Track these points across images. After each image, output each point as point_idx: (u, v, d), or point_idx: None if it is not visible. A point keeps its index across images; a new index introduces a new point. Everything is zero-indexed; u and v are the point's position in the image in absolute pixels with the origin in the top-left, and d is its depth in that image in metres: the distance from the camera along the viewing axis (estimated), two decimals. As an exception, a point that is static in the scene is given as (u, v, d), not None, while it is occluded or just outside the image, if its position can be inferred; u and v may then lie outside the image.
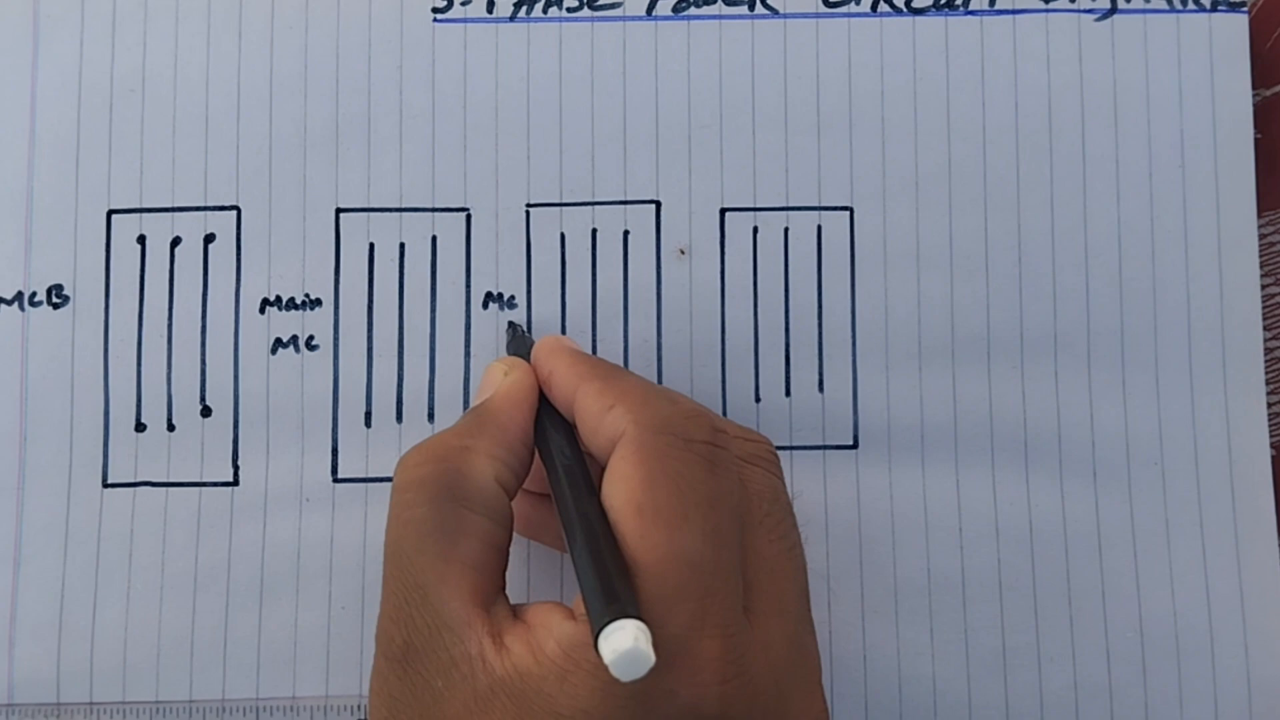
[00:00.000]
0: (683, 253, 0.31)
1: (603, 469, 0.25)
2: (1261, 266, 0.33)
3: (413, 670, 0.24)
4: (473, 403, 0.28)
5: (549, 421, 0.27)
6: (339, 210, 0.33)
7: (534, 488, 0.29)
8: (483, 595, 0.24)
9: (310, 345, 0.32)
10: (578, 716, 0.22)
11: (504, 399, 0.27)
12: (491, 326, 0.32)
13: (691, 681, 0.23)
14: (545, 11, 0.33)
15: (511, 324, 0.32)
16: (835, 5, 0.33)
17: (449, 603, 0.24)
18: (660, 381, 0.32)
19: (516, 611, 0.25)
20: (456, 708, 0.23)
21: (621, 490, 0.24)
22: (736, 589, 0.23)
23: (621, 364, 0.32)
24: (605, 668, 0.21)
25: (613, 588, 0.22)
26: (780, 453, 0.31)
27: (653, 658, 0.21)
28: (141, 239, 0.33)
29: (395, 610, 0.24)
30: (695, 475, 0.24)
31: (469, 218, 0.33)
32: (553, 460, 0.26)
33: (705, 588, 0.23)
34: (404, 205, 0.33)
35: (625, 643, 0.21)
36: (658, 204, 0.33)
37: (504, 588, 0.25)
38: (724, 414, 0.32)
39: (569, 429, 0.27)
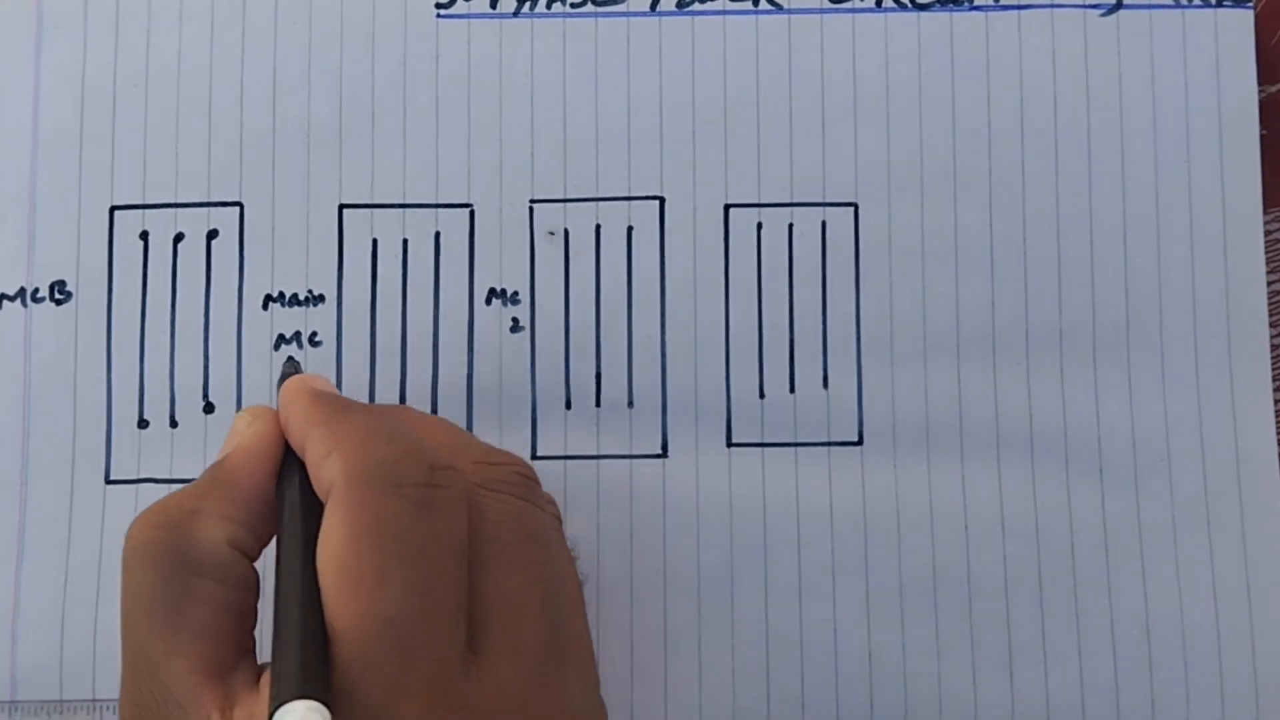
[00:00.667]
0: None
1: None
2: (1267, 262, 0.32)
3: None
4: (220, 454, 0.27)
5: (286, 472, 0.26)
6: (342, 206, 0.33)
7: None
8: (215, 665, 0.23)
9: (313, 341, 0.32)
10: None
11: (242, 454, 0.26)
12: (495, 323, 0.32)
13: None
14: (549, 7, 0.33)
15: (290, 359, 0.31)
16: (840, 1, 0.33)
17: (176, 676, 0.22)
18: (664, 379, 0.32)
19: (260, 677, 0.23)
20: None
21: (326, 550, 0.23)
22: (452, 638, 0.22)
23: (625, 361, 0.32)
24: None
25: (294, 662, 0.21)
26: (784, 449, 0.32)
27: None
28: (144, 235, 0.32)
29: (128, 684, 0.23)
30: (402, 524, 0.23)
31: (472, 214, 0.33)
32: (282, 517, 0.25)
33: (405, 645, 0.22)
34: (407, 201, 0.33)
35: None
36: (661, 200, 0.33)
37: (252, 649, 0.24)
38: (728, 410, 0.32)
39: (306, 479, 0.25)
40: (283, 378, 0.29)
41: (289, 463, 0.26)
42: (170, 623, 0.23)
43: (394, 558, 0.22)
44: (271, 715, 0.21)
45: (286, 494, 0.25)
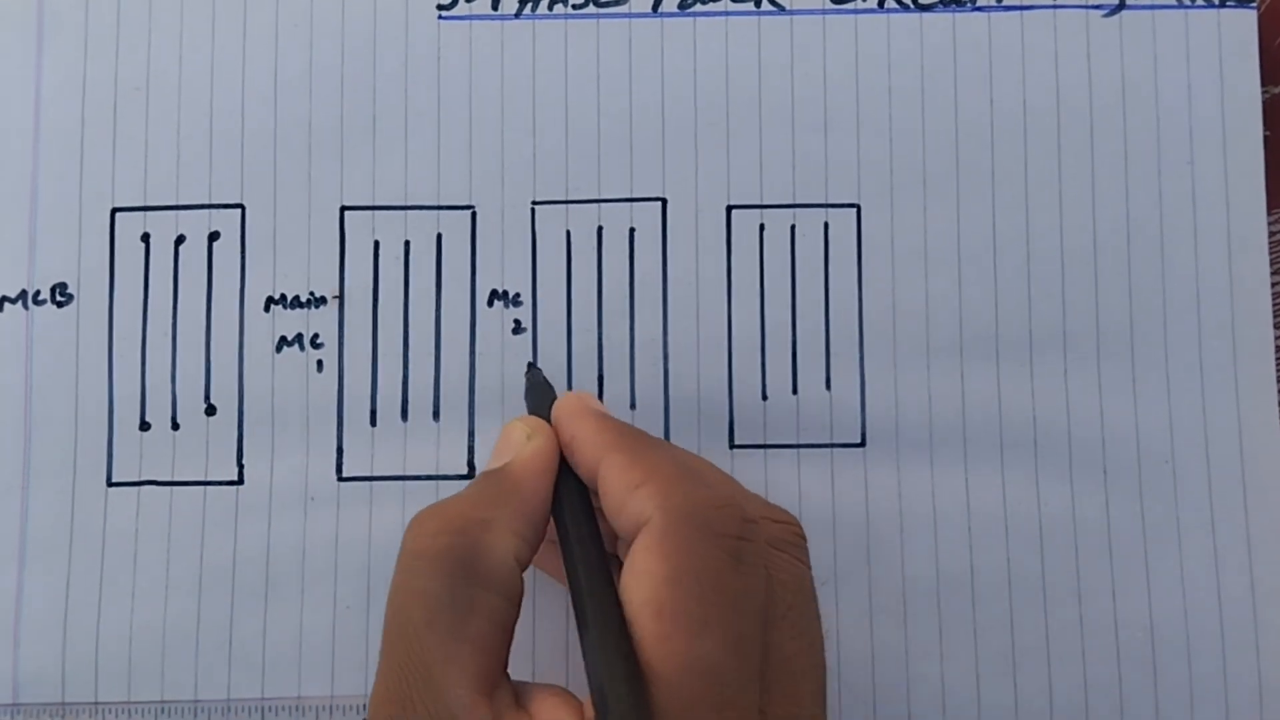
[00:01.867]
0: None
1: (618, 542, 0.24)
2: (1272, 264, 0.32)
3: None
4: (489, 463, 0.27)
5: (566, 490, 0.26)
6: (344, 208, 0.32)
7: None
8: (488, 680, 0.23)
9: (315, 343, 0.32)
10: None
11: (526, 467, 0.26)
12: (497, 324, 0.32)
13: None
14: (550, 8, 0.33)
15: (531, 366, 0.31)
16: (842, 2, 0.33)
17: (454, 688, 0.22)
18: (666, 381, 0.32)
19: (520, 696, 0.24)
20: None
21: (643, 587, 0.23)
22: (754, 697, 0.22)
23: (628, 363, 0.32)
24: None
25: (624, 703, 0.21)
26: (787, 451, 0.32)
27: None
28: (145, 237, 0.32)
29: (394, 685, 0.23)
30: (720, 574, 0.23)
31: (474, 215, 0.32)
32: (569, 539, 0.25)
33: (722, 700, 0.22)
34: (409, 203, 0.32)
35: None
36: (664, 201, 0.32)
37: (505, 667, 0.24)
38: (730, 412, 0.32)
39: (588, 499, 0.26)
40: (530, 386, 0.29)
41: (567, 482, 0.26)
42: (453, 632, 0.23)
43: (712, 608, 0.22)
44: None
45: (569, 512, 0.25)
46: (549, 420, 0.27)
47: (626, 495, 0.24)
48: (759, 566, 0.24)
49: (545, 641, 0.31)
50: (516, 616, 0.24)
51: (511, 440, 0.27)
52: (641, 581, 0.23)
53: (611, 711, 0.21)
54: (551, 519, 0.26)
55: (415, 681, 0.23)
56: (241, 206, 0.32)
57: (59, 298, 0.32)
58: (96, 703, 0.31)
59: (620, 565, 0.24)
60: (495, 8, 0.33)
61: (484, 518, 0.25)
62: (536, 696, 0.24)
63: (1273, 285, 0.32)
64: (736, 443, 0.32)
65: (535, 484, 0.26)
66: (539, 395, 0.29)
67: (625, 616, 0.23)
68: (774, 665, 0.23)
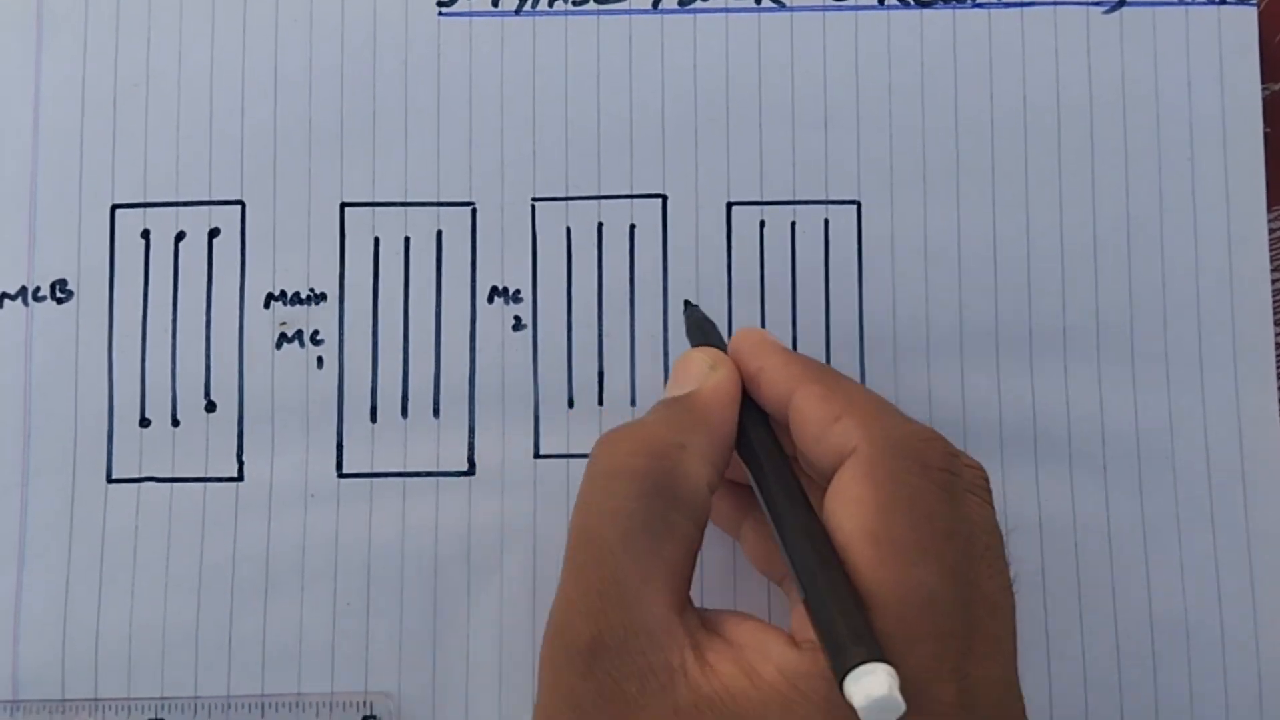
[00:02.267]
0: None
1: (815, 478, 0.25)
2: (1272, 261, 0.32)
3: (600, 670, 0.23)
4: (666, 392, 0.27)
5: (752, 422, 0.26)
6: (344, 205, 0.32)
7: None
8: (680, 602, 0.23)
9: (315, 340, 0.32)
10: None
11: (714, 395, 0.26)
12: (497, 321, 0.32)
13: None
14: (550, 5, 0.33)
15: (689, 304, 0.31)
16: (842, -2, 0.33)
17: (651, 606, 0.23)
18: (667, 378, 0.32)
19: (708, 622, 0.24)
20: (651, 717, 0.22)
21: (853, 514, 0.23)
22: (968, 630, 0.22)
23: (628, 360, 0.32)
24: (836, 703, 0.21)
25: (857, 625, 0.21)
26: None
27: (903, 705, 0.20)
28: (145, 234, 0.32)
29: (585, 603, 0.23)
30: (933, 505, 0.23)
31: (474, 212, 0.32)
32: (764, 469, 0.25)
33: (942, 628, 0.22)
34: (409, 200, 0.32)
35: (878, 689, 0.20)
36: (664, 198, 0.32)
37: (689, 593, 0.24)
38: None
39: (772, 430, 0.26)
40: (692, 323, 0.29)
41: (752, 414, 0.26)
42: (650, 552, 0.23)
43: (928, 537, 0.23)
44: (843, 675, 0.21)
45: (760, 444, 0.26)
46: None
47: (826, 426, 0.24)
48: (966, 504, 0.24)
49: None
50: (701, 542, 0.25)
51: (692, 370, 0.27)
52: (852, 509, 0.23)
53: (830, 636, 0.21)
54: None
55: (611, 598, 0.23)
56: (241, 203, 0.32)
57: (59, 294, 0.32)
58: (96, 699, 0.31)
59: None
60: (495, 4, 0.33)
61: (679, 442, 0.25)
62: (725, 621, 0.24)
63: (1273, 282, 0.32)
64: (736, 439, 0.32)
65: (724, 413, 0.26)
66: (701, 330, 0.29)
67: (836, 544, 0.23)
68: (977, 603, 0.23)
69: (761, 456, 0.26)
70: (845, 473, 0.24)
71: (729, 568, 0.31)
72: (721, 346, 0.28)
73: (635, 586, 0.23)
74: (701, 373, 0.27)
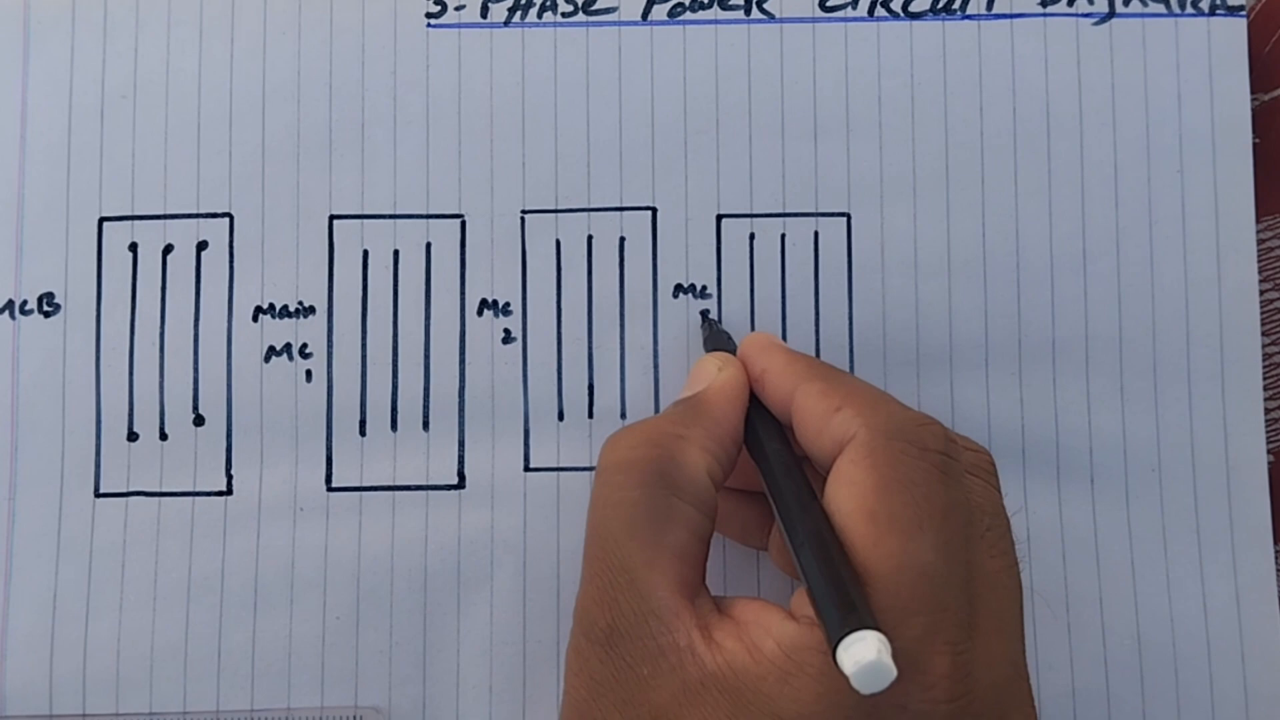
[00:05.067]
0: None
1: (821, 473, 0.25)
2: (1260, 272, 0.32)
3: (616, 654, 0.24)
4: (681, 394, 0.28)
5: (760, 420, 0.27)
6: (332, 217, 0.32)
7: (732, 484, 0.28)
8: (688, 586, 0.24)
9: (304, 353, 0.32)
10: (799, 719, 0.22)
11: (718, 393, 0.27)
12: (487, 334, 0.32)
13: (922, 698, 0.22)
14: (540, 16, 0.33)
15: (705, 314, 0.32)
16: (832, 10, 0.33)
17: (658, 590, 0.24)
18: (657, 390, 0.32)
19: (719, 606, 0.24)
20: (664, 696, 0.23)
21: (851, 495, 0.24)
22: (964, 604, 0.23)
23: (618, 372, 0.32)
24: (830, 674, 0.21)
25: (849, 596, 0.22)
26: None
27: (894, 671, 0.21)
28: (133, 247, 0.32)
29: (600, 592, 0.24)
30: (929, 485, 0.24)
31: (464, 224, 0.32)
32: (769, 461, 0.26)
33: (937, 601, 0.23)
34: (398, 212, 0.32)
35: (868, 655, 0.21)
36: (654, 210, 0.32)
37: (704, 580, 0.25)
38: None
39: (782, 429, 0.27)
40: (710, 334, 0.30)
41: (759, 413, 0.27)
42: (653, 538, 0.24)
43: (924, 514, 0.23)
44: (836, 644, 0.21)
45: (767, 439, 0.27)
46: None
47: (826, 419, 0.25)
48: (963, 485, 0.24)
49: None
50: (711, 532, 0.26)
51: (704, 372, 0.28)
52: (849, 491, 0.24)
53: (824, 607, 0.22)
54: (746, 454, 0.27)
55: (621, 585, 0.24)
56: (230, 216, 0.32)
57: (46, 307, 0.32)
58: (84, 715, 0.31)
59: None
60: (484, 16, 0.33)
61: (679, 433, 0.26)
62: (736, 603, 0.24)
63: (1261, 294, 0.32)
64: (726, 452, 0.32)
65: (728, 408, 0.27)
66: (718, 339, 0.30)
67: (835, 525, 0.24)
68: (978, 581, 0.24)
69: (768, 450, 0.26)
70: (845, 457, 0.24)
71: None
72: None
73: (642, 572, 0.24)
74: (710, 374, 0.28)
